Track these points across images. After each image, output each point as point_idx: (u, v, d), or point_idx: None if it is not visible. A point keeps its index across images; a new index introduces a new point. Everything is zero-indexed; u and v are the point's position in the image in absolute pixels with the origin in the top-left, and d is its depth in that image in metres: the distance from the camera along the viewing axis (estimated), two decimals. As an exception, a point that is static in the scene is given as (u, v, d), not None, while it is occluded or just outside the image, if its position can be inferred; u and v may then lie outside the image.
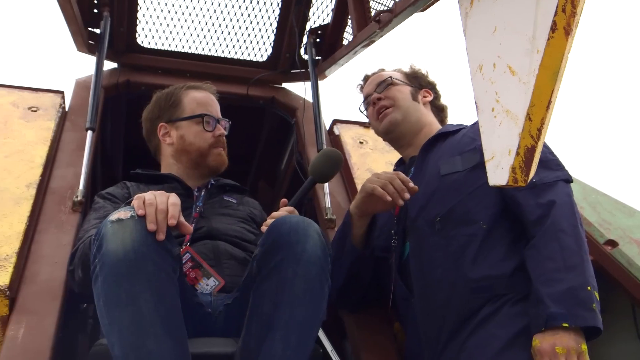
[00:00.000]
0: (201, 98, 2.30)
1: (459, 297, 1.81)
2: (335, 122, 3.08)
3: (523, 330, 1.72)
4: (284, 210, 1.94)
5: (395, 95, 2.24)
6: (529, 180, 1.33)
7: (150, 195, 1.57)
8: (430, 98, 2.31)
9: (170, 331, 1.48)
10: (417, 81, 2.32)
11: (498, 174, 1.37)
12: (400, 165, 2.29)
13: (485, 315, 1.77)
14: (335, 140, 2.98)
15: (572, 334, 1.63)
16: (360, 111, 2.37)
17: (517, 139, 1.29)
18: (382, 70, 2.39)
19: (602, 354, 2.83)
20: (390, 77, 2.29)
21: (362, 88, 2.42)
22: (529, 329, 1.71)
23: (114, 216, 1.53)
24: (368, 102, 2.31)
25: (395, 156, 2.43)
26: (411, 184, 1.87)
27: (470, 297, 1.79)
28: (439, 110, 2.33)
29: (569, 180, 1.87)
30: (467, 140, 2.00)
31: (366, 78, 2.40)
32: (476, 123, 1.97)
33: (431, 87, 2.34)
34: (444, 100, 2.38)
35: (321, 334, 1.97)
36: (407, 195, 1.85)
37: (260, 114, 3.28)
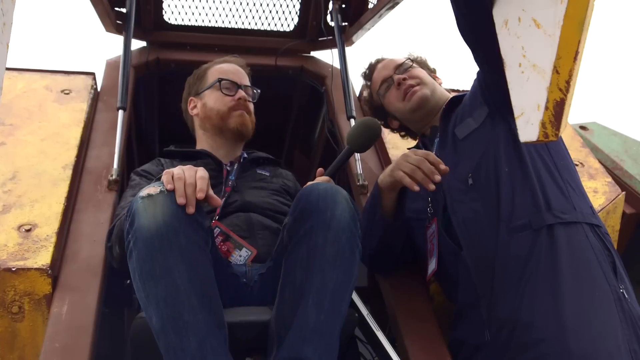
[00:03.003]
0: (223, 68, 2.35)
1: (502, 240, 1.82)
2: (364, 87, 3.04)
3: (578, 269, 1.73)
4: (320, 180, 1.94)
5: (419, 74, 2.26)
6: (559, 135, 1.29)
7: (178, 170, 1.59)
8: (441, 81, 2.35)
9: (205, 302, 1.51)
10: (427, 66, 2.36)
11: (528, 129, 1.34)
12: (424, 138, 2.27)
13: (539, 259, 1.76)
14: (365, 106, 2.95)
15: None
16: (379, 95, 2.34)
17: (545, 93, 1.25)
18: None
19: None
20: (410, 59, 2.32)
21: (366, 75, 2.44)
22: (583, 265, 1.74)
23: (144, 192, 1.55)
24: (389, 84, 2.30)
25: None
26: (442, 166, 1.84)
27: (512, 237, 1.80)
28: None
29: None
30: (471, 97, 2.02)
31: (372, 66, 2.40)
32: (474, 83, 2.02)
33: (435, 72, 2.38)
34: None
35: (357, 299, 1.97)
36: (438, 178, 1.81)
37: (290, 83, 3.27)
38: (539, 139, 1.27)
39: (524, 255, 1.78)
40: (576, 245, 1.76)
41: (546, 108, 1.25)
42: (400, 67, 2.29)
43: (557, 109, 1.24)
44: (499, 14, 1.46)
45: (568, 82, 1.23)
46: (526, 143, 1.34)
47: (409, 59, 2.32)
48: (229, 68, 2.35)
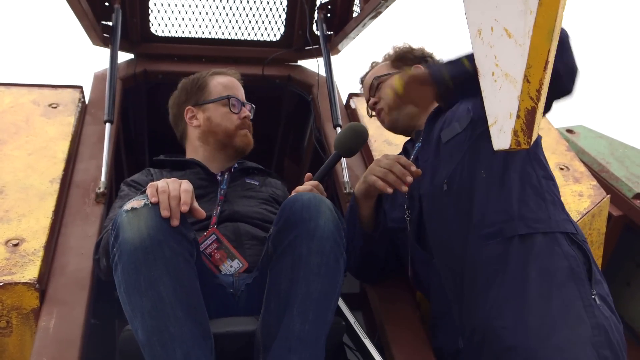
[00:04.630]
0: (227, 82, 2.36)
1: (472, 247, 1.82)
2: (351, 95, 3.07)
3: (548, 277, 1.72)
4: (309, 184, 1.96)
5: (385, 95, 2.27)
6: (532, 143, 1.32)
7: (162, 183, 1.61)
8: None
9: (190, 314, 1.52)
10: (403, 63, 2.33)
11: (501, 138, 1.36)
12: (409, 141, 2.29)
13: (509, 267, 1.76)
14: (352, 114, 2.97)
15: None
16: (370, 116, 2.38)
17: (517, 101, 1.28)
18: (372, 66, 2.42)
19: (636, 298, 2.82)
20: (375, 77, 2.32)
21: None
22: (553, 273, 1.72)
23: (128, 205, 1.57)
24: (369, 107, 2.36)
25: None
26: (413, 168, 1.87)
27: (482, 244, 1.80)
28: None
29: None
30: (463, 107, 2.00)
31: (362, 82, 2.45)
32: None
33: (419, 59, 2.32)
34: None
35: (344, 307, 1.99)
36: (410, 179, 1.85)
37: (278, 93, 3.29)
38: (511, 147, 1.29)
39: (494, 263, 1.77)
40: (547, 253, 1.75)
41: (518, 116, 1.27)
42: (371, 90, 2.32)
43: (528, 118, 1.26)
44: (473, 24, 1.49)
45: (539, 91, 1.25)
46: (499, 151, 1.36)
47: (375, 77, 2.32)
48: (232, 83, 2.36)
